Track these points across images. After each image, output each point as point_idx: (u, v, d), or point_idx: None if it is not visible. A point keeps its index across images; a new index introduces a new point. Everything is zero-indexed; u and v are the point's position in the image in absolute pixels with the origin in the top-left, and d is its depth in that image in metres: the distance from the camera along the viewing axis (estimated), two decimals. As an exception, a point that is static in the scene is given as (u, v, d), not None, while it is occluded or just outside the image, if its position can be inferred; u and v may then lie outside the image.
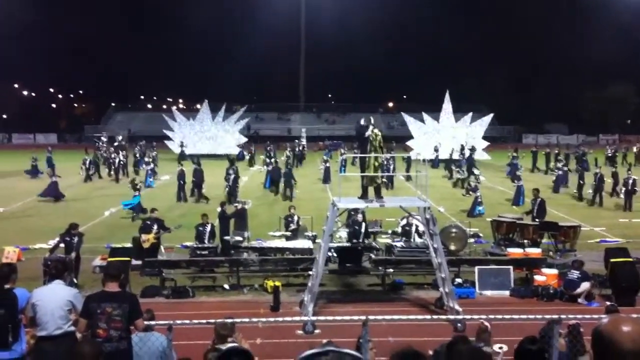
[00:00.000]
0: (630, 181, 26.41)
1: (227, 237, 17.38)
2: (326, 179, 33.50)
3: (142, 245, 16.73)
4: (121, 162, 37.48)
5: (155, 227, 17.08)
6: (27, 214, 25.33)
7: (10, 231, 21.64)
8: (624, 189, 26.87)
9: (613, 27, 74.66)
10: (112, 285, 7.52)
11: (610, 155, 44.46)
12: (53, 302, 7.61)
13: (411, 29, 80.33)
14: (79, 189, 32.69)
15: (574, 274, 14.37)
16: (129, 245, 16.96)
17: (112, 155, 38.79)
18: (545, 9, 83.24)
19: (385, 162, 26.82)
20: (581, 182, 29.08)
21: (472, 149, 41.48)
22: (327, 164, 35.44)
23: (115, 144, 47.82)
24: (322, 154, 44.48)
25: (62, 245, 15.43)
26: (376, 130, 13.45)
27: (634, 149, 48.48)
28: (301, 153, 48.57)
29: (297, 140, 54.83)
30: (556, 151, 42.75)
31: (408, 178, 31.81)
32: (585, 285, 14.11)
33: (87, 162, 36.84)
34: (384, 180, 29.87)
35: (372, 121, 13.96)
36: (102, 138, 51.06)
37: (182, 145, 48.64)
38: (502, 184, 34.42)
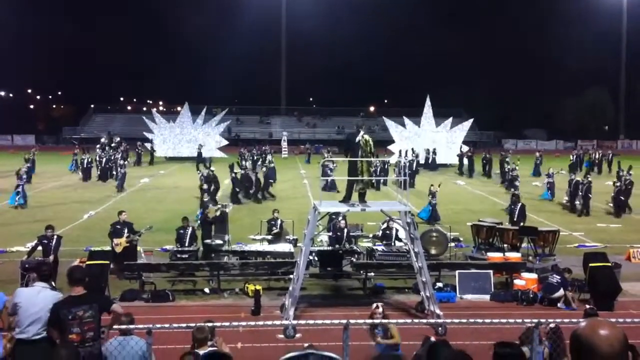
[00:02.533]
0: (584, 187, 26.40)
1: (208, 241, 17.26)
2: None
3: (115, 250, 16.47)
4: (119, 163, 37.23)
5: (125, 230, 16.81)
6: (4, 217, 24.98)
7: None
8: (580, 194, 26.57)
9: (590, 34, 75.68)
10: (78, 289, 7.44)
11: (573, 162, 44.04)
12: (37, 306, 7.47)
13: (393, 34, 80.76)
14: (56, 191, 32.32)
15: (554, 278, 14.48)
16: (108, 248, 16.77)
17: (111, 156, 38.83)
18: (525, 17, 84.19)
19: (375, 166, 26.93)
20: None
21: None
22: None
23: (113, 144, 47.51)
24: (304, 159, 44.52)
25: (39, 248, 15.24)
26: (367, 136, 13.42)
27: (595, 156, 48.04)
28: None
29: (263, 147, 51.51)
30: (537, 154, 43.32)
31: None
32: (561, 292, 14.22)
33: (85, 162, 37.19)
34: (373, 183, 29.93)
35: (362, 127, 13.95)
36: (102, 140, 50.32)
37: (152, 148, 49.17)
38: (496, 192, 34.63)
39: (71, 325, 7.13)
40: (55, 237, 15.44)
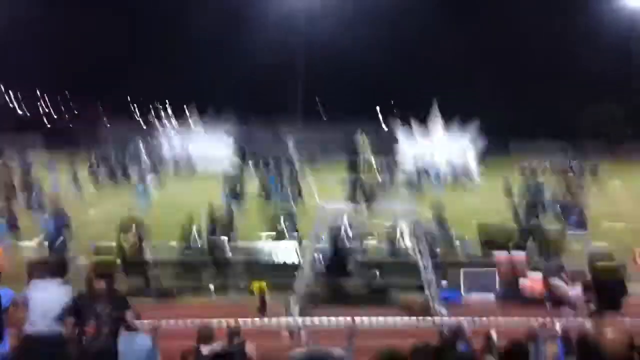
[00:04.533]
0: None
1: (213, 238, 17.28)
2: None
3: (123, 246, 16.47)
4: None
5: (133, 226, 16.82)
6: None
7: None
8: None
9: (606, 43, 75.18)
10: (100, 284, 7.53)
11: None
12: (48, 301, 7.53)
13: (401, 41, 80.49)
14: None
15: (559, 279, 14.46)
16: (113, 244, 16.77)
17: None
18: (538, 23, 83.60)
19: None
20: None
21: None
22: None
23: None
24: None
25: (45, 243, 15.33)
26: (365, 137, 13.49)
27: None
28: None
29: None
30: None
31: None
32: (573, 290, 14.12)
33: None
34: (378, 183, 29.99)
35: (363, 133, 14.03)
36: None
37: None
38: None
39: (88, 318, 7.20)
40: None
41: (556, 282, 14.51)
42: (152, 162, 40.52)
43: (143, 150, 47.02)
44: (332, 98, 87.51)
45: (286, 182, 31.02)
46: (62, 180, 31.42)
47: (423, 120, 52.03)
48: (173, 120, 59.00)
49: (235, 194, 27.79)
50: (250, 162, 44.44)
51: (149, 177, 34.34)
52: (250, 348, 8.17)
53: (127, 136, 57.40)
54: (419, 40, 77.84)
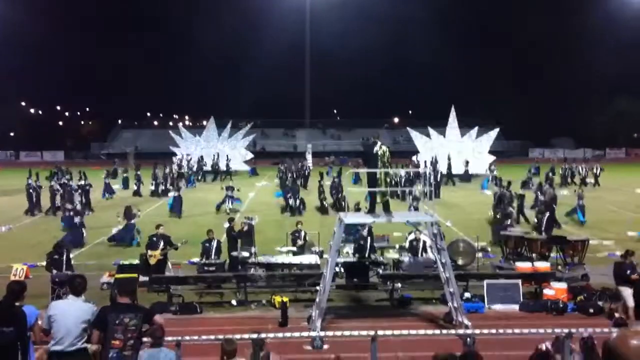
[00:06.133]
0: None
1: (234, 253, 17.37)
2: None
3: (149, 262, 16.76)
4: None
5: (161, 243, 17.11)
6: (35, 231, 25.38)
7: (18, 248, 21.70)
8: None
9: (620, 41, 74.74)
10: (125, 299, 7.66)
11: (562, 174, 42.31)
12: (71, 318, 7.63)
13: (416, 44, 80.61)
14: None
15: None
16: (136, 262, 16.97)
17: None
18: (552, 24, 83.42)
19: (394, 177, 27.06)
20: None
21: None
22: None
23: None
24: (326, 169, 44.53)
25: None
26: (384, 147, 13.47)
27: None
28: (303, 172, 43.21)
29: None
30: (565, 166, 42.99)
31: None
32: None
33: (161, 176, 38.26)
34: (398, 193, 30.00)
35: (379, 137, 14.01)
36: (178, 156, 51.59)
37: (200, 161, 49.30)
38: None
39: (115, 331, 7.29)
40: (66, 251, 15.87)
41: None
42: (180, 171, 40.84)
43: (176, 161, 47.50)
44: (347, 105, 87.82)
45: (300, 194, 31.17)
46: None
47: (439, 124, 51.85)
48: (192, 130, 59.24)
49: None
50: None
51: (180, 186, 34.83)
52: None
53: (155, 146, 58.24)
54: (431, 42, 77.72)
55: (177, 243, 17.56)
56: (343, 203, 26.63)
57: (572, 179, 42.69)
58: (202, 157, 50.36)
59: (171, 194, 30.47)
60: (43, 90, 79.37)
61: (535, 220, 22.86)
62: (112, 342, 7.25)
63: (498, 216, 23.18)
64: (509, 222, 20.98)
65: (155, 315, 7.89)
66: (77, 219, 23.20)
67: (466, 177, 44.98)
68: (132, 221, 22.70)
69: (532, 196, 28.48)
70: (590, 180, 41.59)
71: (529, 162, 48.25)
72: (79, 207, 25.27)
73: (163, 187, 36.81)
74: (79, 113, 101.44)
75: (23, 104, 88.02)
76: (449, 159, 44.60)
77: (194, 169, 47.33)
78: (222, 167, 48.26)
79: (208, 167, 48.99)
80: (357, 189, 28.95)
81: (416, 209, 22.68)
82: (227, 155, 50.29)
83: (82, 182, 32.01)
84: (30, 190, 30.27)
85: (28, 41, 72.83)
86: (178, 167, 45.29)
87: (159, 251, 16.87)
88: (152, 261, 16.73)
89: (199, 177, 46.79)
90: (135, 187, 37.27)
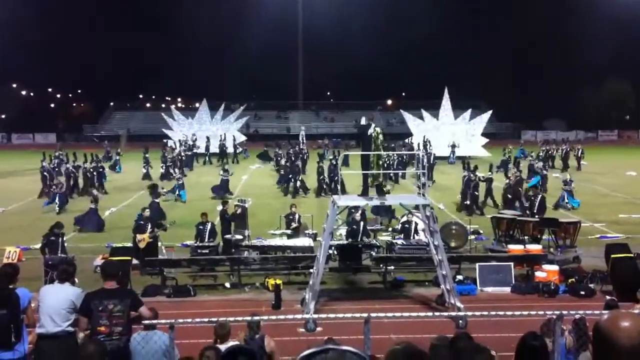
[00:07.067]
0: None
1: (228, 236, 17.38)
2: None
3: (139, 245, 16.69)
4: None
5: (149, 226, 17.02)
6: (28, 214, 25.30)
7: (11, 231, 21.64)
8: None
9: (612, 23, 74.62)
10: (111, 283, 7.61)
11: (542, 156, 39.92)
12: (54, 301, 7.70)
13: (410, 26, 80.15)
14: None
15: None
16: (129, 244, 16.96)
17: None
18: (544, 6, 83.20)
19: (387, 159, 27.09)
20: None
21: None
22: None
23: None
24: (320, 151, 44.37)
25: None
26: (378, 129, 13.49)
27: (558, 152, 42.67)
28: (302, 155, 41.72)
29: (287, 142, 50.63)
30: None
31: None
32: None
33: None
34: (392, 176, 30.04)
35: (373, 119, 14.01)
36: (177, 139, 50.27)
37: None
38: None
39: (100, 317, 7.29)
40: (61, 234, 15.80)
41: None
42: (180, 155, 40.42)
43: (173, 145, 46.98)
44: (340, 87, 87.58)
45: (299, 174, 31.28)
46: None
47: (433, 106, 51.73)
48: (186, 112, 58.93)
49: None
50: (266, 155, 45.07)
51: (182, 170, 34.92)
52: (269, 343, 8.26)
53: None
54: (423, 24, 77.44)
55: (166, 224, 17.56)
56: (339, 186, 26.53)
57: (553, 163, 40.94)
58: (208, 137, 49.84)
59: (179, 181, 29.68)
60: (34, 72, 78.60)
61: (525, 203, 22.40)
62: (97, 329, 7.26)
63: (467, 202, 24.60)
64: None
65: (141, 307, 7.76)
66: (93, 205, 22.68)
67: (451, 162, 44.45)
68: (157, 200, 21.93)
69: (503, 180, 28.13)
70: (572, 163, 39.79)
71: (519, 145, 48.02)
72: (94, 192, 25.89)
73: (173, 170, 36.02)
74: (70, 95, 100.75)
75: (14, 86, 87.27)
76: (428, 142, 43.96)
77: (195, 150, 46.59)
78: (230, 148, 47.99)
79: (215, 149, 47.94)
80: (352, 172, 28.90)
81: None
82: (233, 136, 50.18)
83: (94, 164, 31.95)
84: (45, 173, 30.25)
85: (19, 23, 72.00)
86: (187, 148, 44.42)
87: (147, 234, 16.81)
88: (142, 245, 16.65)
89: (206, 159, 46.57)
90: (144, 170, 36.65)
